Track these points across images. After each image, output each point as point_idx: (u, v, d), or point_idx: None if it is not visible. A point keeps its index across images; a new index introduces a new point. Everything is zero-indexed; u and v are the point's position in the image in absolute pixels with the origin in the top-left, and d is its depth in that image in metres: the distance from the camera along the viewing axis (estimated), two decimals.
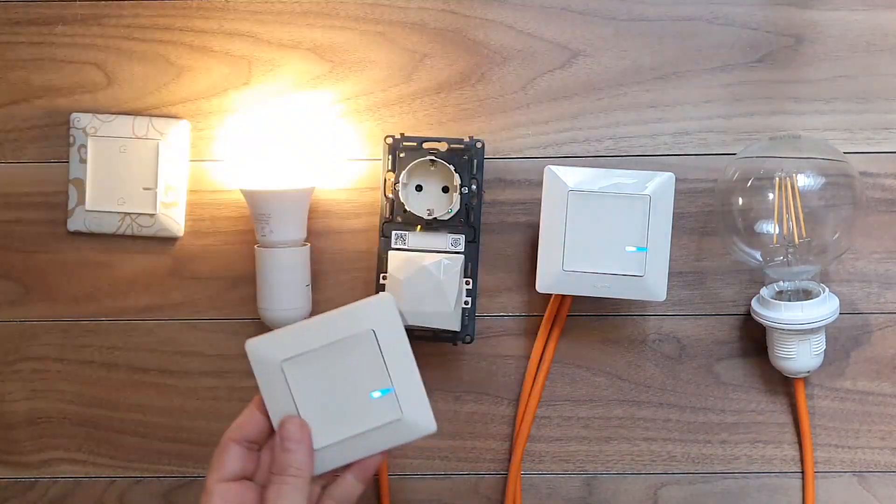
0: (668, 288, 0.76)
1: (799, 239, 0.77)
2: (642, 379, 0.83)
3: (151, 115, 0.83)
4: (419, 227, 0.79)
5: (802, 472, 0.83)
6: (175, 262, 0.84)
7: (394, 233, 0.80)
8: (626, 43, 0.82)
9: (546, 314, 0.82)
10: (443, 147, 0.79)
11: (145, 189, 0.82)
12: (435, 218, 0.78)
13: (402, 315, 0.75)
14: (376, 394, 0.68)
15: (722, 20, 0.82)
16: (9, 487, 0.85)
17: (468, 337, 0.80)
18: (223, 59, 0.83)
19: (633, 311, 0.83)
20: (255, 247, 0.80)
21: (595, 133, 0.82)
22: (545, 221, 0.77)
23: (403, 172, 0.78)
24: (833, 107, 0.82)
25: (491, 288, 0.83)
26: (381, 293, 0.70)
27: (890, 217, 0.82)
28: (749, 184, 0.79)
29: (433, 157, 0.78)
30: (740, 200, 0.79)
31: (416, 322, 0.77)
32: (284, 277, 0.79)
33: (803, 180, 0.78)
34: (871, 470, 0.83)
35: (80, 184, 0.83)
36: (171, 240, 0.83)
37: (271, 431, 0.68)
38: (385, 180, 0.79)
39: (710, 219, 0.82)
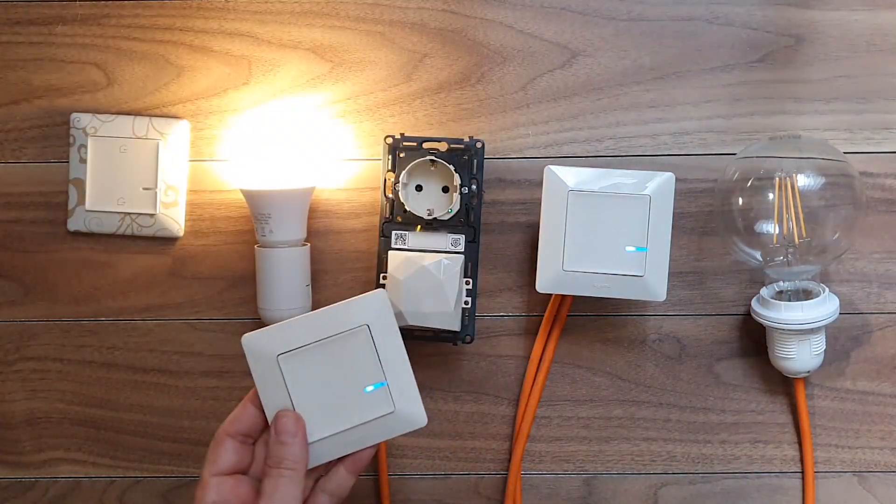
0: (668, 288, 0.76)
1: (799, 239, 0.77)
2: (642, 379, 0.83)
3: (151, 115, 0.83)
4: (419, 227, 0.79)
5: (802, 472, 0.83)
6: (175, 262, 0.84)
7: (394, 233, 0.80)
8: (626, 43, 0.82)
9: (546, 314, 0.82)
10: (443, 147, 0.79)
11: (145, 189, 0.82)
12: (435, 218, 0.78)
13: (402, 314, 0.76)
14: (370, 388, 0.69)
15: (722, 20, 0.82)
16: (9, 487, 0.85)
17: (468, 337, 0.80)
18: (223, 59, 0.83)
19: (633, 311, 0.83)
20: (255, 247, 0.80)
21: (595, 133, 0.82)
22: (545, 221, 0.77)
23: (403, 172, 0.78)
24: (833, 107, 0.82)
25: (491, 288, 0.83)
26: (375, 290, 0.71)
27: (890, 217, 0.82)
28: (749, 184, 0.79)
29: (433, 157, 0.78)
30: (740, 200, 0.79)
31: (416, 322, 0.77)
32: (284, 277, 0.79)
33: (803, 180, 0.78)
34: (871, 470, 0.83)
35: (80, 184, 0.83)
36: (171, 240, 0.83)
37: (265, 426, 0.69)
38: (385, 180, 0.79)
39: (710, 219, 0.82)
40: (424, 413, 0.70)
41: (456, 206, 0.78)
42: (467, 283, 0.79)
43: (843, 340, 0.82)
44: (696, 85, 0.82)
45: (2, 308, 0.84)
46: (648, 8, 0.82)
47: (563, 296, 0.81)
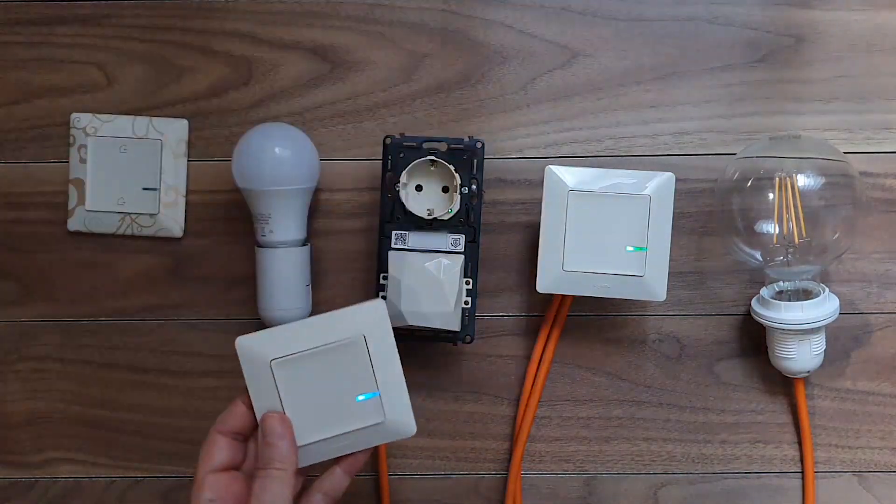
0: (668, 288, 0.76)
1: (799, 239, 0.77)
2: (642, 379, 0.83)
3: (151, 115, 0.83)
4: (419, 227, 0.79)
5: (802, 472, 0.83)
6: (175, 262, 0.84)
7: (394, 233, 0.80)
8: (626, 43, 0.82)
9: (546, 314, 0.82)
10: (443, 147, 0.79)
11: (145, 189, 0.82)
12: (435, 218, 0.78)
13: (401, 314, 0.76)
14: (361, 397, 0.69)
15: (722, 20, 0.82)
16: (9, 487, 0.85)
17: (468, 337, 0.80)
18: (223, 59, 0.83)
19: (633, 311, 0.83)
20: (255, 247, 0.80)
21: (595, 133, 0.82)
22: (545, 221, 0.77)
23: (403, 172, 0.78)
24: (833, 107, 0.82)
25: (491, 288, 0.83)
26: (373, 299, 0.71)
27: (890, 217, 0.82)
28: (749, 184, 0.79)
29: (433, 158, 0.78)
30: (740, 200, 0.79)
31: (416, 322, 0.76)
32: (284, 277, 0.79)
33: (803, 180, 0.78)
34: (871, 470, 0.83)
35: (80, 184, 0.83)
36: (171, 240, 0.83)
37: (256, 424, 0.70)
38: (385, 180, 0.79)
39: (710, 219, 0.82)
40: (414, 423, 0.70)
41: (456, 207, 0.78)
42: (467, 283, 0.79)
43: (843, 340, 0.82)
44: (696, 85, 0.82)
45: (2, 308, 0.84)
46: (648, 8, 0.82)
47: (564, 296, 0.81)
